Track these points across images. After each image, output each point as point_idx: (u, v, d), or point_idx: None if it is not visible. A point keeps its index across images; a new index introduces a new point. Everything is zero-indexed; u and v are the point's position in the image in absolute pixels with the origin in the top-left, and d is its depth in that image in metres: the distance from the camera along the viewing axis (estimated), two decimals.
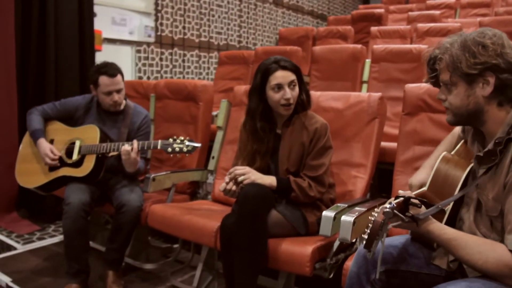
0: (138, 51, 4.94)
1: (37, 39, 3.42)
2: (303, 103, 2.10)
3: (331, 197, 2.14)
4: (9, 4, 3.25)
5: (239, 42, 6.37)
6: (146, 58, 5.04)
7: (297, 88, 2.04)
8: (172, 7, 5.27)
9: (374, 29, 4.22)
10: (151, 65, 5.10)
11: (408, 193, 1.34)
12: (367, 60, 3.38)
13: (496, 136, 1.29)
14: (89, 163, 2.48)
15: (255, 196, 1.83)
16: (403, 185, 2.11)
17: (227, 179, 1.96)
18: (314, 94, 2.50)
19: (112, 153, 2.47)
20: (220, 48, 5.98)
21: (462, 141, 1.57)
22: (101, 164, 2.51)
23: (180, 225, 2.23)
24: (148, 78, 5.08)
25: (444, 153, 1.50)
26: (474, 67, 1.26)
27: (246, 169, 1.96)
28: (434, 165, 1.48)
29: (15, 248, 3.02)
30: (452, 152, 1.55)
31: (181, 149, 2.30)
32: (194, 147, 2.31)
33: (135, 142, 2.36)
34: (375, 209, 1.20)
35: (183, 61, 5.51)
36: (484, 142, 1.38)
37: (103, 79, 2.51)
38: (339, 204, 1.92)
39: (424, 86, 2.17)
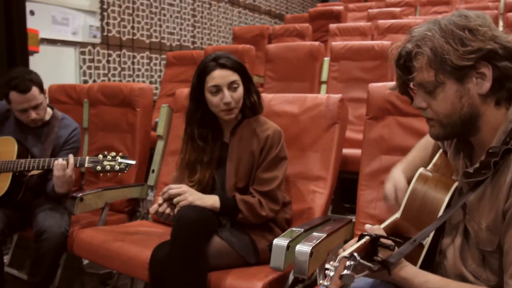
0: (83, 53, 4.53)
1: None
2: (253, 107, 1.80)
3: (286, 217, 1.84)
4: None
5: (193, 42, 6.03)
6: (92, 61, 4.63)
7: (240, 90, 1.73)
8: (120, 6, 4.88)
9: (333, 26, 3.98)
10: (97, 67, 4.70)
11: (376, 228, 1.03)
12: (325, 59, 3.11)
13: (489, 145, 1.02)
14: (3, 183, 2.10)
15: (192, 221, 1.51)
16: (369, 201, 1.84)
17: (160, 200, 1.63)
18: (265, 96, 2.20)
19: (33, 172, 2.09)
20: (173, 49, 5.63)
21: (440, 151, 1.29)
22: (19, 184, 2.13)
23: (110, 254, 1.88)
24: (94, 81, 4.66)
25: (421, 169, 1.22)
26: (466, 57, 0.96)
27: (183, 187, 1.64)
28: (411, 182, 1.19)
29: None
30: (429, 167, 1.28)
31: (112, 167, 1.96)
32: (128, 165, 1.97)
33: (71, 156, 1.99)
34: (331, 263, 0.88)
35: (133, 63, 5.13)
36: (472, 155, 1.11)
37: (14, 96, 2.09)
38: (294, 229, 1.62)
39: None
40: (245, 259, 1.67)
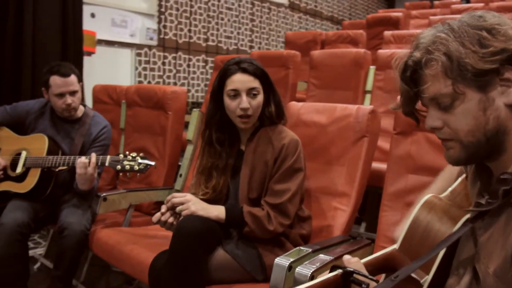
0: (139, 55, 4.65)
1: (13, 39, 3.17)
2: (271, 116, 1.71)
3: (302, 232, 1.73)
4: None
5: (251, 47, 6.02)
6: (147, 62, 4.75)
7: (259, 98, 1.65)
8: (177, 9, 4.97)
9: (387, 33, 3.76)
10: (152, 69, 4.81)
11: (354, 261, 0.91)
12: (371, 67, 2.95)
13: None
14: (32, 178, 2.15)
15: (191, 231, 1.45)
16: (391, 224, 1.69)
17: (163, 208, 1.58)
18: (295, 105, 2.12)
19: (60, 168, 2.14)
20: (230, 53, 5.65)
21: (463, 176, 1.11)
22: (48, 180, 2.18)
23: (121, 256, 1.88)
24: (149, 82, 4.79)
25: (428, 195, 1.06)
26: (489, 59, 0.81)
27: (187, 196, 1.58)
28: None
29: None
30: (444, 194, 1.12)
31: (131, 167, 1.94)
32: (147, 166, 1.95)
33: (93, 155, 2.02)
34: None
35: (188, 66, 5.20)
36: (490, 183, 0.93)
37: (55, 79, 2.19)
38: (302, 248, 1.52)
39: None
40: (252, 274, 1.59)
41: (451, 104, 0.87)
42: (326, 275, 0.85)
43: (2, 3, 3.13)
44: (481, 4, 4.68)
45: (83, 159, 2.00)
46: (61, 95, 2.20)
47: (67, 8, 3.47)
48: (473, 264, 0.92)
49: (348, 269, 0.84)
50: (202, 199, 1.69)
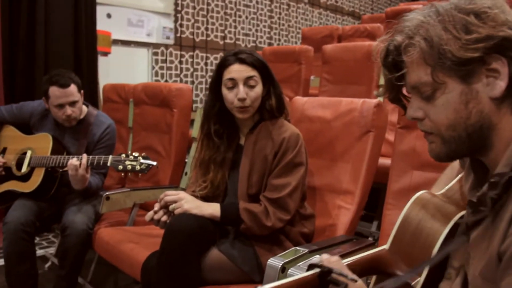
0: (155, 54, 4.66)
1: (26, 40, 3.20)
2: (271, 110, 1.65)
3: (304, 230, 1.67)
4: None
5: (270, 44, 5.96)
6: (164, 61, 4.75)
7: (257, 89, 1.60)
8: (194, 8, 4.95)
9: None
10: (169, 68, 4.81)
11: (334, 260, 0.84)
12: None
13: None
14: (37, 177, 2.16)
15: (182, 230, 1.41)
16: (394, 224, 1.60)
17: (156, 206, 1.54)
18: (299, 99, 2.05)
19: (65, 168, 2.13)
20: None
21: (461, 174, 1.04)
22: (52, 179, 2.18)
23: (121, 256, 1.85)
24: (166, 81, 4.79)
25: (421, 192, 1.00)
26: (472, 47, 0.74)
27: (180, 194, 1.53)
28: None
29: None
30: (440, 191, 1.05)
31: (133, 167, 1.92)
32: (149, 166, 1.92)
33: (84, 156, 2.00)
34: None
35: (206, 64, 5.19)
36: (486, 179, 0.84)
37: (54, 90, 2.14)
38: (298, 248, 1.45)
39: None
40: (249, 275, 1.53)
41: (431, 94, 0.80)
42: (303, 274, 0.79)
43: (14, 4, 3.17)
44: None
45: (74, 160, 1.98)
46: (61, 106, 2.17)
47: (79, 8, 3.48)
48: (464, 266, 0.85)
49: (326, 268, 0.78)
50: (200, 195, 1.66)
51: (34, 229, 2.09)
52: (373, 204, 2.47)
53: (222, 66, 1.61)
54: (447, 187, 1.06)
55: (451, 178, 1.11)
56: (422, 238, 0.93)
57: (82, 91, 2.24)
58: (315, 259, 0.84)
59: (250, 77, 1.58)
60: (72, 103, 2.18)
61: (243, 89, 1.57)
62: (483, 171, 0.86)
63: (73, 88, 2.17)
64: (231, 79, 1.58)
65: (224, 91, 1.61)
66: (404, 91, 0.90)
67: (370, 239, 2.52)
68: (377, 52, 0.89)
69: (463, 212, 0.93)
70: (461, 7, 0.77)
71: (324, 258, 0.84)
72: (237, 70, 1.58)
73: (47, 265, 2.71)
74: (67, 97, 2.16)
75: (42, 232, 2.25)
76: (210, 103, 1.67)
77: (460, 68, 0.76)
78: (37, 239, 2.21)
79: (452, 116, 0.79)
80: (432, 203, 0.96)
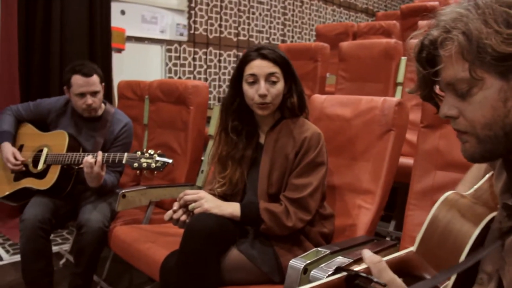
0: (169, 50, 4.65)
1: (42, 35, 3.23)
2: (293, 108, 1.63)
3: (324, 231, 1.64)
4: None
5: (283, 41, 5.93)
6: (178, 58, 4.75)
7: (279, 85, 1.57)
8: (207, 4, 4.94)
9: (422, 23, 3.55)
10: (183, 65, 4.80)
11: (376, 261, 0.81)
12: (403, 58, 2.79)
13: None
14: (52, 175, 2.15)
15: (202, 230, 1.39)
16: (418, 224, 1.57)
17: (175, 205, 1.52)
18: (318, 98, 2.02)
19: (81, 165, 2.12)
20: None
21: (490, 173, 1.01)
22: (68, 176, 2.17)
23: (137, 254, 1.84)
24: (180, 78, 4.78)
25: (449, 193, 0.96)
26: None
27: (200, 193, 1.51)
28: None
29: (1, 259, 2.78)
30: (469, 191, 1.01)
31: (149, 165, 1.90)
32: (164, 164, 1.90)
33: (99, 154, 1.99)
34: None
35: (219, 61, 5.17)
36: None
37: (76, 79, 2.16)
38: (319, 249, 1.42)
39: None
40: (269, 276, 1.50)
41: (468, 91, 0.76)
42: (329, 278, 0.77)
43: (31, 4, 3.17)
44: None
45: (89, 158, 1.97)
46: (82, 95, 2.18)
47: (94, 6, 3.49)
48: (498, 271, 0.81)
49: (353, 272, 0.75)
50: (218, 193, 1.64)
51: (50, 227, 2.09)
52: (390, 204, 2.43)
53: (244, 61, 1.59)
54: (475, 187, 1.02)
55: (478, 177, 1.08)
56: (451, 240, 0.89)
57: (103, 83, 2.24)
58: (365, 252, 0.80)
59: (271, 73, 1.56)
60: (94, 93, 2.19)
61: (264, 85, 1.54)
62: None
63: (95, 78, 2.19)
64: (253, 75, 1.56)
65: (245, 86, 1.58)
66: (437, 89, 0.87)
67: (387, 239, 2.49)
68: (411, 47, 0.85)
69: (493, 214, 0.90)
70: (502, 0, 0.73)
71: (366, 257, 0.80)
72: (258, 66, 1.55)
73: (61, 262, 2.71)
74: (89, 86, 2.17)
75: (56, 229, 2.23)
76: (230, 99, 1.65)
77: (500, 63, 0.72)
78: (51, 236, 2.22)
79: (489, 114, 0.75)
80: (461, 204, 0.93)
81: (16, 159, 2.19)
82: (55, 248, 2.84)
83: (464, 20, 0.74)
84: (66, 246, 2.88)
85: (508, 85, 0.73)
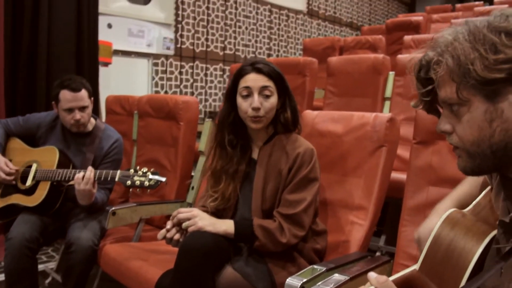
0: (156, 64, 4.64)
1: (28, 49, 3.18)
2: (286, 123, 1.63)
3: (317, 247, 1.64)
4: None
5: (269, 55, 5.96)
6: (164, 72, 4.73)
7: (272, 99, 1.58)
8: (194, 18, 4.95)
9: (407, 38, 3.63)
10: (169, 79, 4.79)
11: (382, 281, 0.81)
12: (390, 73, 2.83)
13: None
14: (42, 191, 2.11)
15: (197, 248, 1.37)
16: (412, 240, 1.57)
17: (169, 224, 1.51)
18: (310, 114, 2.03)
19: (71, 182, 2.09)
20: None
21: (488, 188, 1.03)
22: (57, 193, 2.14)
23: (128, 273, 1.81)
24: (166, 92, 4.76)
25: (452, 210, 0.98)
26: (497, 68, 0.74)
27: (193, 211, 1.50)
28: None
29: None
30: (467, 208, 1.02)
31: (142, 182, 1.88)
32: (158, 182, 1.89)
33: (91, 170, 1.97)
34: None
35: (206, 75, 5.17)
36: None
37: (65, 94, 2.14)
38: (315, 266, 1.42)
39: None
40: None
41: (457, 110, 0.81)
42: None
43: (17, 14, 3.14)
44: (505, 6, 4.52)
45: (81, 175, 1.94)
46: (70, 110, 2.15)
47: (82, 19, 3.47)
48: None
49: None
50: (211, 207, 1.63)
51: (38, 245, 2.05)
52: (381, 218, 2.45)
53: (239, 75, 1.60)
54: (474, 203, 1.04)
55: (475, 187, 1.10)
56: (454, 258, 0.90)
57: (92, 98, 2.22)
58: (371, 274, 0.81)
59: (265, 87, 1.56)
60: (82, 108, 2.16)
61: (257, 98, 1.55)
62: None
63: (84, 93, 2.16)
64: (246, 88, 1.57)
65: (239, 99, 1.59)
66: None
67: (378, 253, 2.50)
68: (411, 66, 0.89)
69: (495, 232, 0.91)
70: (494, 25, 0.77)
71: (372, 278, 0.81)
72: (252, 79, 1.57)
73: (47, 281, 2.65)
74: (78, 101, 2.14)
75: (42, 246, 2.19)
76: (226, 112, 1.65)
77: (484, 87, 0.76)
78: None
79: (476, 133, 0.80)
80: (462, 222, 0.94)
81: (8, 167, 2.14)
82: (40, 267, 2.77)
83: (454, 45, 0.78)
84: (52, 265, 2.82)
85: (494, 107, 0.77)
